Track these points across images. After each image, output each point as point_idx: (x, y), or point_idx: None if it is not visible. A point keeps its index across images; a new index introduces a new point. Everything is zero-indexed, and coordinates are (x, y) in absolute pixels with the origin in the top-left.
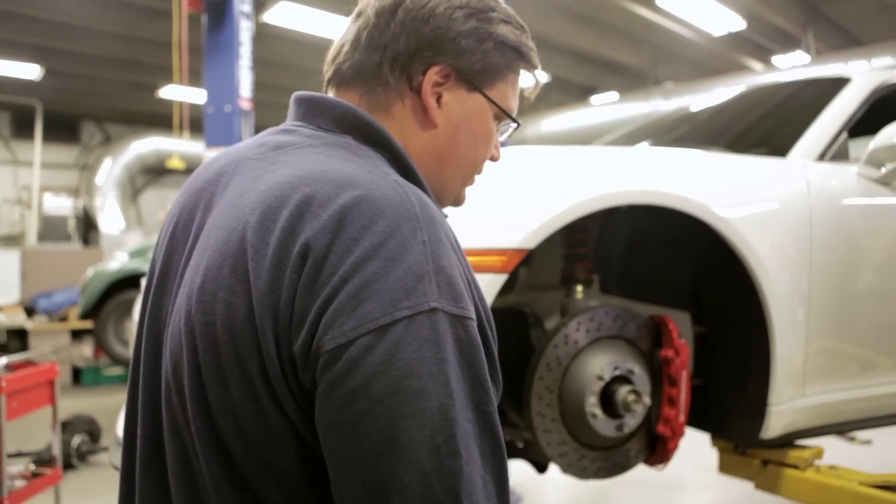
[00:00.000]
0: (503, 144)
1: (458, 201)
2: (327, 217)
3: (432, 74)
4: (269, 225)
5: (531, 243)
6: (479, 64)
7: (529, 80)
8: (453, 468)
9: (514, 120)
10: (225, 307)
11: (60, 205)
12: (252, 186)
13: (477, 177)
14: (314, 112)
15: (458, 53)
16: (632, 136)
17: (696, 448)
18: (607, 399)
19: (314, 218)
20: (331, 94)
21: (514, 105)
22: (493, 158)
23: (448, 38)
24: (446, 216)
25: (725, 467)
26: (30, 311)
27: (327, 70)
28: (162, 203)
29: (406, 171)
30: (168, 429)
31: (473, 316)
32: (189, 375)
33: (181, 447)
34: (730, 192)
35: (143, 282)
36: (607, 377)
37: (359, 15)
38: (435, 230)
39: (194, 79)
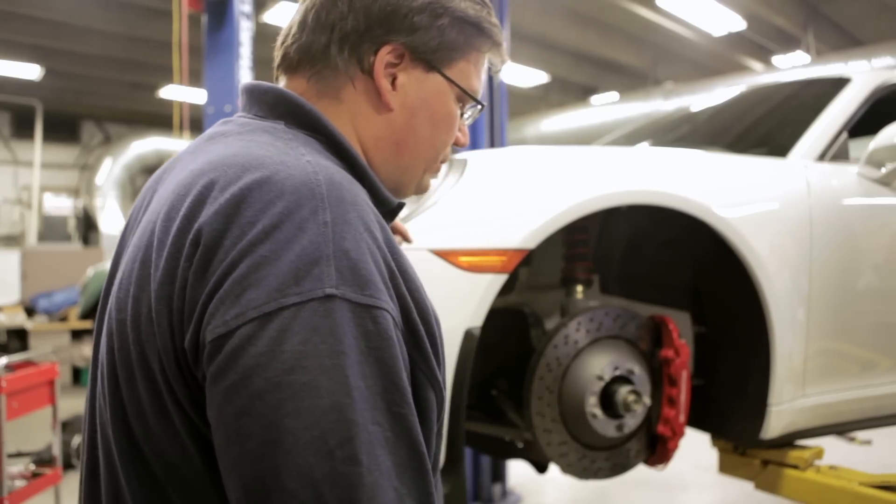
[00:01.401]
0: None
1: (420, 189)
2: (224, 201)
3: (384, 54)
4: (174, 214)
5: (531, 243)
6: (435, 41)
7: (497, 58)
8: (350, 476)
9: (477, 101)
10: (133, 302)
11: (60, 205)
12: (175, 178)
13: (443, 165)
14: (252, 100)
15: (412, 30)
16: (632, 136)
17: (696, 448)
18: (607, 399)
19: (213, 202)
20: (281, 80)
21: (477, 85)
22: (459, 143)
23: (399, 15)
24: (399, 205)
25: (725, 467)
26: (30, 311)
27: (276, 55)
28: None
29: (343, 155)
30: (99, 433)
31: (387, 307)
32: (108, 376)
33: (107, 451)
34: (730, 192)
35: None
36: (607, 377)
37: None
38: (343, 210)
39: (194, 79)
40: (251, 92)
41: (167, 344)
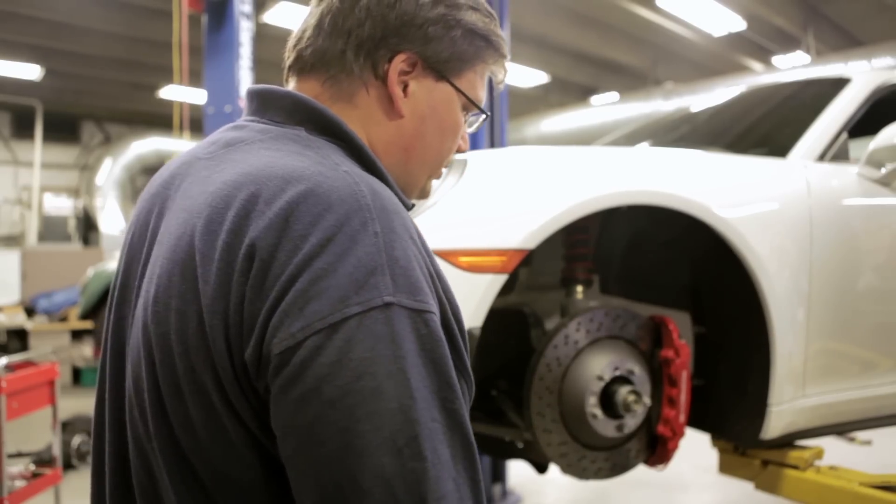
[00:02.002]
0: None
1: (423, 193)
2: (273, 215)
3: (398, 62)
4: (216, 227)
5: (531, 244)
6: (447, 52)
7: (499, 71)
8: (417, 471)
9: (482, 111)
10: (178, 316)
11: (60, 205)
12: (201, 188)
13: (444, 170)
14: (265, 105)
15: (426, 41)
16: (632, 136)
17: (696, 448)
18: (607, 399)
19: (260, 216)
20: (291, 82)
21: (482, 95)
22: (460, 150)
23: (415, 25)
24: (411, 206)
25: (725, 467)
26: (30, 312)
27: (288, 57)
28: None
29: (363, 160)
30: (132, 445)
31: (435, 310)
32: (149, 390)
33: (145, 463)
34: (730, 193)
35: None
36: (607, 377)
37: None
38: (389, 220)
39: (194, 79)
40: (265, 96)
41: (223, 358)
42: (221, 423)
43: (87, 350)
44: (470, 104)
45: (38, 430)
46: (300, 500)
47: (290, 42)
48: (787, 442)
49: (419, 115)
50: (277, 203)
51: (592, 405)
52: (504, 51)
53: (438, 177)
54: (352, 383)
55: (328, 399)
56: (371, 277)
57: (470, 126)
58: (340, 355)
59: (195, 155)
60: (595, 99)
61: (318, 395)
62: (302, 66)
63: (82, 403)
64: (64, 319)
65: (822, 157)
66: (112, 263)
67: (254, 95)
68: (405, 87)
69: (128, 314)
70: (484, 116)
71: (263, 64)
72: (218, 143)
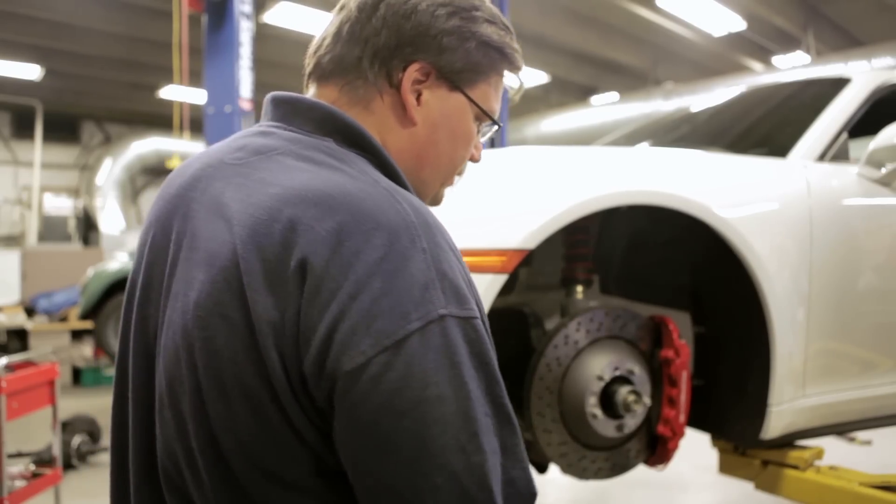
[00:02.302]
0: (484, 145)
1: (435, 200)
2: (324, 232)
3: (412, 71)
4: (261, 240)
5: (531, 243)
6: (461, 63)
7: (514, 81)
8: (479, 465)
9: (495, 121)
10: (223, 322)
11: (60, 205)
12: (238, 195)
13: (458, 178)
14: (293, 113)
15: (440, 51)
16: (632, 136)
17: (696, 448)
18: (607, 399)
19: (309, 231)
20: (311, 88)
21: (495, 106)
22: (473, 159)
23: (429, 36)
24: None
25: (725, 467)
26: (30, 312)
27: (308, 63)
28: None
29: (390, 173)
30: (162, 443)
31: (478, 314)
32: (190, 392)
33: (175, 461)
34: (730, 193)
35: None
36: (607, 377)
37: (341, 8)
38: (433, 236)
39: (194, 79)
40: (293, 105)
41: (276, 367)
42: (269, 424)
43: (87, 350)
44: (483, 114)
45: (38, 430)
46: (377, 500)
47: (311, 49)
48: (787, 442)
49: (432, 123)
50: (327, 220)
51: (592, 405)
52: (519, 63)
53: (452, 184)
54: (419, 393)
55: (400, 410)
56: (425, 293)
57: (482, 135)
58: (407, 370)
59: (220, 159)
60: (595, 99)
61: (390, 407)
62: (321, 73)
63: (82, 403)
64: (64, 319)
65: (822, 158)
66: (113, 263)
67: (280, 102)
68: (419, 96)
69: (153, 314)
70: (496, 127)
71: (263, 64)
72: (246, 149)
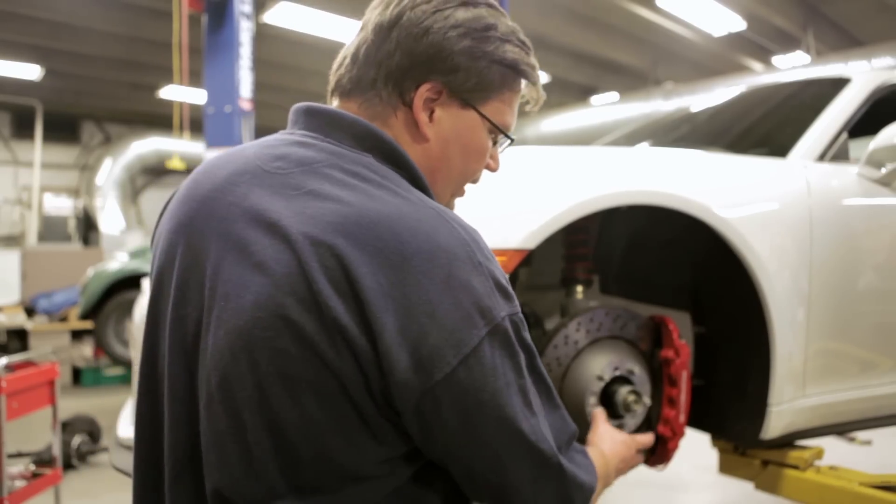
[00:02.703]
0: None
1: None
2: (393, 256)
3: (423, 91)
4: (327, 263)
5: (531, 243)
6: (472, 81)
7: (532, 95)
8: (535, 424)
9: (507, 136)
10: (287, 324)
11: (60, 205)
12: (289, 206)
13: (469, 187)
14: (331, 126)
15: (451, 71)
16: (632, 136)
17: (696, 448)
18: (607, 399)
19: (376, 256)
20: (334, 102)
21: (510, 121)
22: (490, 168)
23: (441, 57)
24: None
25: (725, 467)
26: (30, 312)
27: (331, 80)
28: (162, 203)
29: (421, 189)
30: (211, 437)
31: (519, 308)
32: (249, 387)
33: (224, 456)
34: (730, 193)
35: (148, 288)
36: (607, 377)
37: (361, 28)
38: (482, 249)
39: (194, 79)
40: (331, 118)
41: (349, 368)
42: (338, 417)
43: (87, 350)
44: (496, 129)
45: (38, 430)
46: (466, 474)
47: (333, 66)
48: (787, 442)
49: (444, 139)
50: (389, 245)
51: (592, 405)
52: (534, 79)
53: (462, 195)
54: (493, 384)
55: (483, 401)
56: (487, 301)
57: (498, 147)
58: (484, 368)
59: (257, 166)
60: (595, 99)
61: (475, 401)
62: (342, 91)
63: (82, 404)
64: (64, 319)
65: (822, 158)
66: (113, 263)
67: (315, 113)
68: (431, 113)
69: (191, 313)
70: (510, 141)
71: (263, 64)
72: (287, 158)
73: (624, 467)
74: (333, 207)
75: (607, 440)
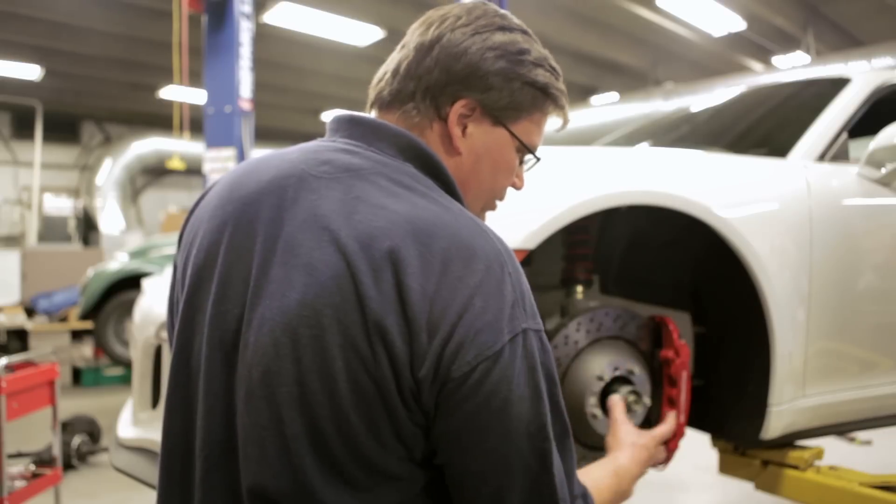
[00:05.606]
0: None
1: None
2: (430, 257)
3: (458, 107)
4: (374, 253)
5: (531, 244)
6: (505, 101)
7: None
8: (545, 448)
9: (535, 156)
10: (333, 323)
11: (60, 205)
12: (339, 210)
13: (498, 203)
14: (374, 135)
15: (486, 89)
16: (632, 136)
17: (696, 448)
18: (608, 399)
19: (417, 256)
20: (374, 113)
21: (537, 140)
22: (516, 186)
23: (477, 76)
24: None
25: (725, 468)
26: (30, 312)
27: (371, 92)
28: (162, 203)
29: (458, 201)
30: (249, 430)
31: (542, 325)
32: (291, 383)
33: (262, 448)
34: (730, 193)
35: (179, 282)
36: (607, 378)
37: (402, 47)
38: (513, 261)
39: (194, 79)
40: (375, 128)
41: (385, 368)
42: (371, 416)
43: (87, 350)
44: (524, 148)
45: (38, 430)
46: (466, 478)
47: (374, 80)
48: (787, 442)
49: (475, 153)
50: (433, 247)
51: (592, 405)
52: (562, 103)
53: (493, 209)
54: (507, 394)
55: (494, 408)
56: (513, 310)
57: (524, 165)
58: (501, 374)
59: (303, 170)
60: (595, 99)
61: (487, 406)
62: (381, 103)
63: (82, 404)
64: (64, 319)
65: (822, 158)
66: (113, 264)
67: (359, 123)
68: (464, 128)
69: (232, 310)
70: (536, 160)
71: (263, 64)
72: (333, 164)
73: (645, 468)
74: (381, 213)
75: (627, 448)
